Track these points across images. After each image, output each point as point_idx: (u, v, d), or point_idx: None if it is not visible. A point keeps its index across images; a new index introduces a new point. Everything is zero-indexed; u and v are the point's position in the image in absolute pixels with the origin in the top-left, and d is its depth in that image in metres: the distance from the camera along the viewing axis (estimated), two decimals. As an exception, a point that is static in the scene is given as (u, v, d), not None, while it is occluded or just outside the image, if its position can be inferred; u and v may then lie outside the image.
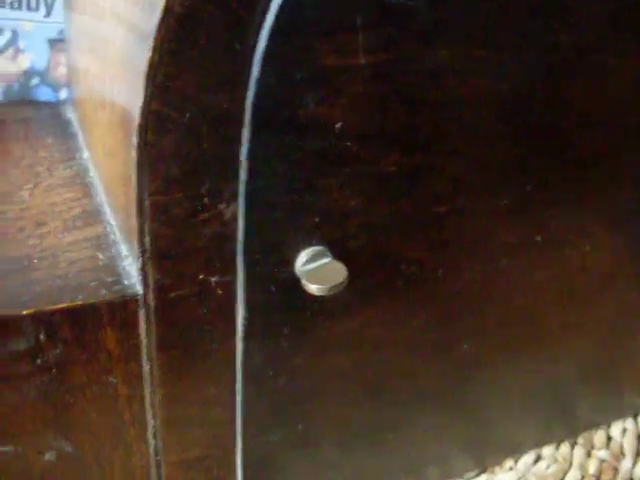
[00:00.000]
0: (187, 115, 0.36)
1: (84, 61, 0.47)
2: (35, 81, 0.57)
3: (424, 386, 0.49)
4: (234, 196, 0.38)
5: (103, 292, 0.40)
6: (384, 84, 0.38)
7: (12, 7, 0.55)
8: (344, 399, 0.47)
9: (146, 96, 0.35)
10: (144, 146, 0.36)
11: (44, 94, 0.57)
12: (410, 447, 0.52)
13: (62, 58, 0.56)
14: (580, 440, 0.60)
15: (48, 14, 0.56)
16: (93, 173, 0.48)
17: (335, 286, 0.40)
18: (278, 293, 0.41)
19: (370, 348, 0.46)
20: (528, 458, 0.58)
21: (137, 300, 0.40)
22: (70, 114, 0.55)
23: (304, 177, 0.39)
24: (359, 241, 0.42)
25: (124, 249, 0.42)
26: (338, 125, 0.38)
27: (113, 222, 0.44)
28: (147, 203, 0.37)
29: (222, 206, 0.38)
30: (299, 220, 0.40)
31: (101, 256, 0.42)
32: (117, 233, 0.43)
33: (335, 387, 0.46)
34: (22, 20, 0.56)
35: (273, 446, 0.47)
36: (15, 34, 0.56)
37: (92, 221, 0.44)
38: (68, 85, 0.55)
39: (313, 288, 0.40)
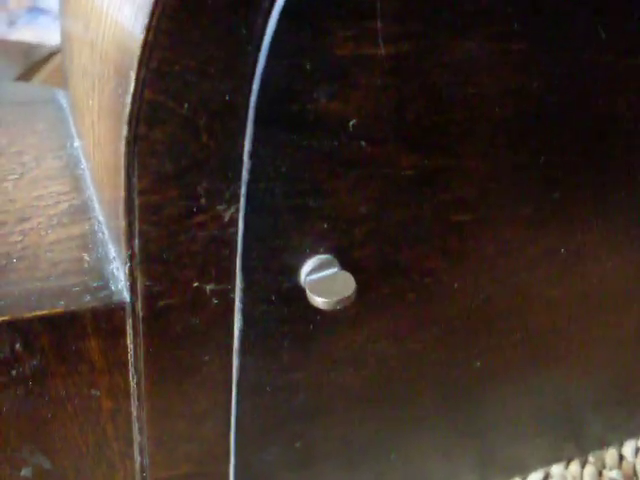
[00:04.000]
0: (185, 105, 0.31)
1: (77, 42, 0.42)
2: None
3: (431, 403, 0.44)
4: (235, 197, 0.33)
5: (87, 298, 0.34)
6: (405, 78, 0.33)
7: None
8: (345, 416, 0.42)
9: (138, 82, 0.30)
10: (134, 139, 0.31)
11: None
12: (414, 466, 0.47)
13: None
14: (591, 459, 0.55)
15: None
16: (84, 165, 0.43)
17: (342, 300, 0.35)
18: (279, 304, 0.36)
19: (376, 363, 0.41)
20: (536, 477, 0.53)
21: (124, 308, 0.35)
22: (62, 99, 0.49)
23: (311, 179, 0.34)
24: (369, 250, 0.37)
25: (112, 250, 0.37)
26: (352, 122, 0.33)
27: (102, 219, 0.39)
28: (136, 202, 0.32)
29: (221, 208, 0.33)
30: (305, 226, 0.35)
31: (87, 257, 0.37)
32: (105, 232, 0.38)
33: (336, 404, 0.41)
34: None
35: (268, 465, 0.42)
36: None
37: (79, 218, 0.39)
38: (62, 68, 0.49)
39: (319, 301, 0.35)
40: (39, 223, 0.39)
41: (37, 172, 0.42)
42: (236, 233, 0.34)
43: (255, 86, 0.31)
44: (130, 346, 0.36)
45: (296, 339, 0.38)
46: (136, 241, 0.33)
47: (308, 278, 0.35)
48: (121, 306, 0.35)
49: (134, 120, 0.30)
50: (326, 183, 0.34)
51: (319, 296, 0.35)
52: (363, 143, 0.34)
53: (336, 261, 0.36)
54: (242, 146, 0.32)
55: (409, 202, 0.36)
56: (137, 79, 0.30)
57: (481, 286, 0.40)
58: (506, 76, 0.35)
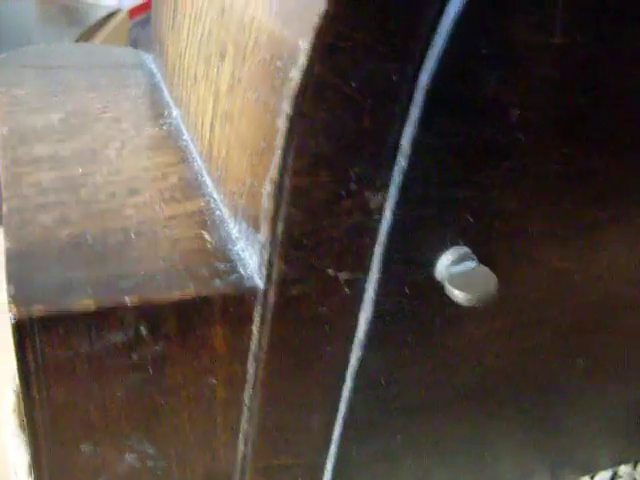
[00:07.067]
0: (352, 84, 0.28)
1: (189, 5, 0.38)
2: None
3: (528, 402, 0.42)
4: (385, 184, 0.30)
5: (217, 282, 0.31)
6: (573, 69, 0.30)
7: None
8: (449, 412, 0.40)
9: (310, 56, 0.27)
10: (297, 117, 0.28)
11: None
12: (498, 464, 0.45)
13: None
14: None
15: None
16: (186, 136, 0.40)
17: (485, 296, 0.32)
18: (411, 296, 0.34)
19: (489, 360, 0.38)
20: (605, 475, 0.51)
21: (255, 294, 0.32)
22: (150, 64, 0.46)
23: (465, 169, 0.31)
24: (505, 244, 0.34)
25: (234, 230, 0.34)
26: (514, 112, 0.30)
27: (217, 196, 0.36)
28: (287, 184, 0.29)
29: (369, 194, 0.30)
30: (450, 217, 0.32)
31: (208, 236, 0.34)
32: (223, 210, 0.35)
33: (443, 399, 0.39)
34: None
35: (367, 456, 0.40)
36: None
37: (192, 193, 0.36)
38: (153, 31, 0.46)
39: (459, 296, 0.32)
40: (151, 197, 0.35)
41: (138, 141, 0.39)
42: (379, 221, 0.31)
43: (427, 67, 0.28)
44: (255, 334, 0.33)
45: (420, 333, 0.35)
46: (279, 225, 0.30)
47: (448, 271, 0.33)
48: (252, 292, 0.32)
49: (300, 96, 0.27)
50: (479, 174, 0.31)
51: (460, 290, 0.32)
52: (521, 135, 0.31)
53: (473, 254, 0.33)
54: (401, 131, 0.29)
55: (552, 197, 0.34)
56: (310, 53, 0.27)
57: (603, 284, 0.38)
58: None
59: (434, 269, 0.33)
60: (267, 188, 0.30)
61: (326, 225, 0.31)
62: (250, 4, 0.31)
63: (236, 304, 0.32)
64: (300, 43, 0.27)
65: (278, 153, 0.29)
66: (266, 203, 0.30)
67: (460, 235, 0.33)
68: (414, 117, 0.29)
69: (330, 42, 0.27)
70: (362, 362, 0.35)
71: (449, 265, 0.33)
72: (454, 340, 0.36)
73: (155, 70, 0.45)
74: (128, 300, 0.30)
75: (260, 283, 0.31)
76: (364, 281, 0.33)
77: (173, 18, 0.41)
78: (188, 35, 0.38)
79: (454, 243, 0.33)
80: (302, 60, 0.27)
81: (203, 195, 0.36)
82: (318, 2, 0.26)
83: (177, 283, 0.31)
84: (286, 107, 0.28)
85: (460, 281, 0.32)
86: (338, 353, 0.35)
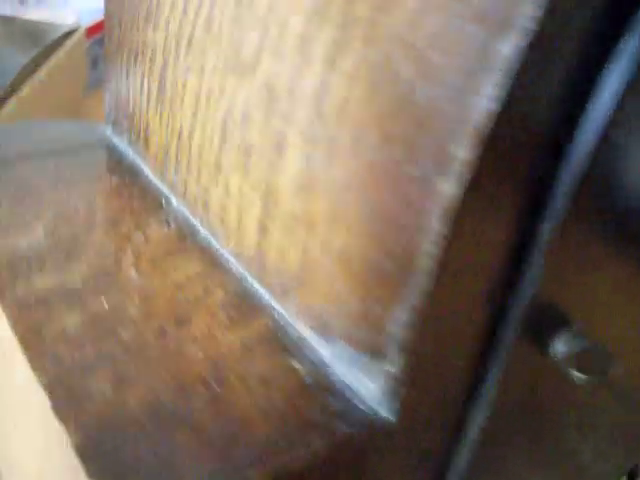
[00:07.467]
0: (509, 190, 0.24)
1: (200, 67, 0.31)
2: None
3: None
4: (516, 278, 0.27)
5: (338, 424, 0.26)
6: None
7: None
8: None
9: (471, 165, 0.22)
10: (452, 235, 0.23)
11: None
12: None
13: None
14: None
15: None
16: (205, 232, 0.33)
17: (605, 374, 0.30)
18: (527, 387, 0.30)
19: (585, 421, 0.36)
20: None
21: (383, 429, 0.27)
22: (113, 137, 0.37)
23: (587, 255, 0.28)
24: (613, 317, 0.32)
25: (323, 351, 0.28)
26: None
27: (281, 309, 0.30)
28: (427, 308, 0.24)
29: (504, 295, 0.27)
30: (565, 300, 0.29)
31: (297, 365, 0.28)
32: (298, 326, 0.29)
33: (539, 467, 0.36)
34: None
35: None
36: None
37: (249, 309, 0.30)
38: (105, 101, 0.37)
39: (581, 377, 0.29)
40: (205, 323, 0.29)
41: (151, 248, 0.32)
42: (501, 317, 0.28)
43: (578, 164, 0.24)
44: (376, 467, 0.28)
45: (531, 421, 0.32)
46: (416, 352, 0.25)
47: (563, 352, 0.30)
48: (379, 427, 0.27)
49: (455, 212, 0.23)
50: (599, 257, 0.28)
51: (579, 372, 0.29)
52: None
53: (582, 332, 0.31)
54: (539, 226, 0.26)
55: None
56: (470, 160, 0.22)
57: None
58: None
59: (553, 355, 0.30)
60: (400, 316, 0.25)
61: (447, 341, 0.26)
62: (331, 89, 0.26)
63: (363, 443, 0.27)
64: (452, 149, 0.22)
65: (420, 277, 0.24)
66: (397, 331, 0.25)
67: (575, 316, 0.30)
68: (558, 207, 0.25)
69: (494, 145, 0.22)
70: (470, 463, 0.31)
71: (564, 347, 0.30)
72: (561, 416, 0.34)
73: (122, 147, 0.37)
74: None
75: (389, 416, 0.27)
76: (479, 378, 0.29)
77: (158, 89, 0.33)
78: (196, 114, 0.31)
79: (569, 323, 0.30)
80: (458, 170, 0.22)
81: (264, 309, 0.30)
82: (476, 99, 0.22)
83: (298, 440, 0.25)
84: (436, 225, 0.23)
85: (578, 363, 0.30)
86: (445, 459, 0.31)
